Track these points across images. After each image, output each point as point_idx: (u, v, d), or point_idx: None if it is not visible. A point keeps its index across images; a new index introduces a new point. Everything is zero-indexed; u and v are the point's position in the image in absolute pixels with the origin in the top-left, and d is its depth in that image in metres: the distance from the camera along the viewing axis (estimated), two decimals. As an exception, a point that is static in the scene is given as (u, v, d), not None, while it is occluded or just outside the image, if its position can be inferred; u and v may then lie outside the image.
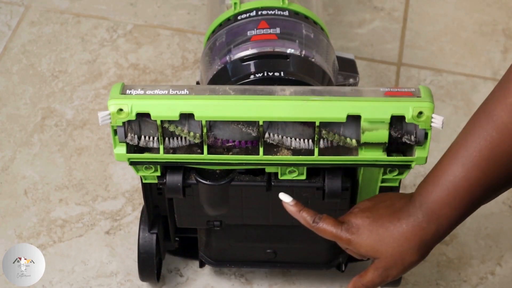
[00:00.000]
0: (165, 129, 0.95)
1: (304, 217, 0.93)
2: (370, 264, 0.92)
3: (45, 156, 1.35)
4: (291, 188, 1.01)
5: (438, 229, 0.87)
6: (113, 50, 1.49)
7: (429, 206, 0.87)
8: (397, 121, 0.93)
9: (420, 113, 0.91)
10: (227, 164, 0.98)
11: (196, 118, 0.93)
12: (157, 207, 1.12)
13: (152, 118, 0.93)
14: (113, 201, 1.30)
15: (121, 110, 0.93)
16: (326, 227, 0.91)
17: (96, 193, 1.31)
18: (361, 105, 0.92)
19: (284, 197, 0.94)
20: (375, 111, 0.92)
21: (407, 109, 0.92)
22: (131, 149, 0.96)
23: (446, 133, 1.38)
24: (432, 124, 0.92)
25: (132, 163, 0.98)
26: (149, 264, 1.15)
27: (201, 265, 1.19)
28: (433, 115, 0.92)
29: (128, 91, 0.94)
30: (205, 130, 0.94)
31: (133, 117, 0.93)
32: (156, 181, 1.02)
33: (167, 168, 1.00)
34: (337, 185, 1.00)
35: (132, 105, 0.93)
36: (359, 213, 0.91)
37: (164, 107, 0.93)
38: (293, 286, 1.22)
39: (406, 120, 0.92)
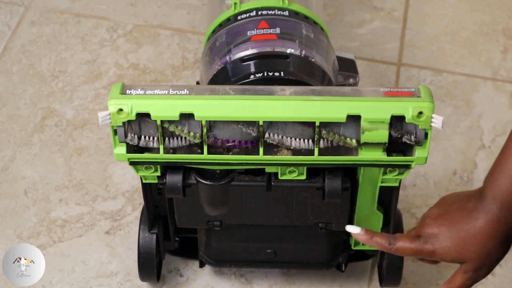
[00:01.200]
0: (165, 129, 0.95)
1: (379, 241, 0.92)
2: (457, 269, 0.91)
3: (45, 156, 1.35)
4: (291, 188, 1.01)
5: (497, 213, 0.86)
6: (113, 50, 1.49)
7: (503, 198, 0.86)
8: (397, 121, 0.93)
9: (420, 113, 0.91)
10: (227, 164, 0.98)
11: (196, 118, 0.93)
12: (157, 207, 1.12)
13: (152, 118, 0.93)
14: (113, 201, 1.30)
15: (121, 110, 0.93)
16: (404, 246, 0.91)
17: (96, 193, 1.31)
18: (361, 105, 0.92)
19: (353, 229, 0.94)
20: (375, 111, 0.92)
21: (407, 109, 0.92)
22: (131, 149, 0.96)
23: (446, 133, 1.38)
24: (432, 124, 0.92)
25: (132, 163, 0.98)
26: (149, 264, 1.15)
27: (201, 265, 1.19)
28: (433, 115, 0.92)
29: (128, 91, 0.94)
30: (205, 130, 0.94)
31: (133, 117, 0.93)
32: (156, 181, 1.02)
33: (167, 168, 1.00)
34: (337, 185, 1.00)
35: (132, 105, 0.93)
36: (432, 223, 0.90)
37: (164, 107, 0.93)
38: (293, 286, 1.22)
39: (406, 120, 0.92)
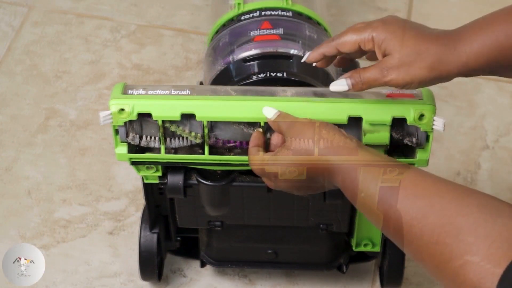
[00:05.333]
0: (166, 129, 0.95)
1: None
2: (375, 63, 0.89)
3: (48, 157, 1.35)
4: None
5: (457, 51, 0.86)
6: (116, 50, 1.49)
7: (459, 30, 0.88)
8: (398, 123, 0.93)
9: (422, 115, 0.91)
10: (228, 165, 0.98)
11: (197, 119, 0.93)
12: (159, 207, 1.12)
13: (154, 118, 0.93)
14: (116, 202, 1.30)
15: (122, 110, 0.93)
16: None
17: (99, 193, 1.31)
18: (362, 107, 0.92)
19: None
20: (376, 113, 0.92)
21: (409, 111, 0.91)
22: (132, 149, 0.97)
23: (449, 134, 1.38)
24: (433, 127, 0.92)
25: (134, 163, 0.98)
26: (150, 263, 1.15)
27: (202, 265, 1.19)
28: (435, 117, 0.92)
29: (129, 91, 0.94)
30: (206, 131, 0.94)
31: (134, 117, 0.93)
32: (157, 181, 1.02)
33: (168, 168, 1.01)
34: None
35: (134, 105, 0.93)
36: (395, 16, 0.90)
37: (165, 107, 0.93)
38: (296, 287, 1.22)
39: (408, 123, 0.92)
